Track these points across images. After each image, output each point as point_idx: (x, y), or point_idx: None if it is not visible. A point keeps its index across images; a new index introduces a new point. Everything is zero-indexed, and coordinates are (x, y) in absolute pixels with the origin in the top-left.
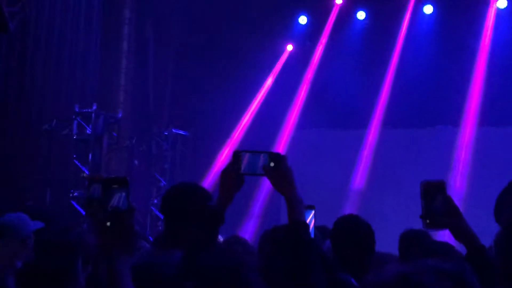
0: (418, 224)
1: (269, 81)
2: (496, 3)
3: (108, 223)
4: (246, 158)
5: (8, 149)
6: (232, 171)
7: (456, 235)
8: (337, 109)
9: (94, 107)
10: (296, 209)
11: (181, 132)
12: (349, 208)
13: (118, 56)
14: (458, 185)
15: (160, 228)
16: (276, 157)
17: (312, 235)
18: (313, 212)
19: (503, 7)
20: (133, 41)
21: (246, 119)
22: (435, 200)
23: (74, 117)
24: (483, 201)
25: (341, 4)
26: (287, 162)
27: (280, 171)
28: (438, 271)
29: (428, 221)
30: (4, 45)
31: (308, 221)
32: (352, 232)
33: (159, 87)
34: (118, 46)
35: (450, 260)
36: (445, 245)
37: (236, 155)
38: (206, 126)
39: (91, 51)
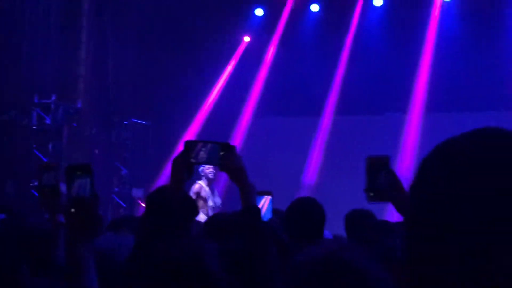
0: (370, 206)
1: (227, 71)
2: None
3: (73, 209)
4: (197, 148)
5: None
6: (182, 161)
7: (398, 208)
8: (293, 97)
9: (53, 98)
10: (248, 195)
11: (141, 121)
12: (305, 192)
13: (77, 46)
14: (405, 170)
15: (122, 214)
16: (226, 147)
17: (269, 217)
18: (268, 197)
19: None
20: (93, 31)
21: (206, 108)
22: (379, 175)
23: (33, 107)
24: None
25: None
26: (236, 151)
27: (230, 160)
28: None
29: (371, 194)
30: None
31: (261, 205)
32: (304, 212)
33: (118, 77)
34: (77, 36)
35: (388, 238)
36: (386, 224)
37: (187, 145)
38: (166, 115)
39: (50, 42)
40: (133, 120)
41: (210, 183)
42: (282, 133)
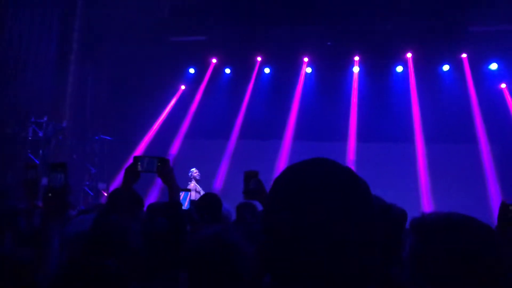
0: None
1: (169, 107)
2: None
3: (49, 194)
4: (142, 160)
5: None
6: (131, 169)
7: (261, 203)
8: (209, 125)
9: (45, 118)
10: (174, 193)
11: (107, 137)
12: (215, 191)
13: (65, 83)
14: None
15: (90, 201)
16: (163, 160)
17: (188, 207)
18: (189, 193)
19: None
20: (76, 73)
21: (153, 130)
22: (251, 182)
23: (30, 124)
24: None
25: (215, 63)
26: (169, 164)
27: (165, 169)
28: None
29: (246, 194)
30: None
31: (182, 198)
32: (206, 201)
33: (93, 106)
34: (65, 76)
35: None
36: (260, 211)
37: (135, 158)
38: (124, 134)
39: (46, 79)
40: (101, 136)
41: (198, 181)
42: (203, 149)
